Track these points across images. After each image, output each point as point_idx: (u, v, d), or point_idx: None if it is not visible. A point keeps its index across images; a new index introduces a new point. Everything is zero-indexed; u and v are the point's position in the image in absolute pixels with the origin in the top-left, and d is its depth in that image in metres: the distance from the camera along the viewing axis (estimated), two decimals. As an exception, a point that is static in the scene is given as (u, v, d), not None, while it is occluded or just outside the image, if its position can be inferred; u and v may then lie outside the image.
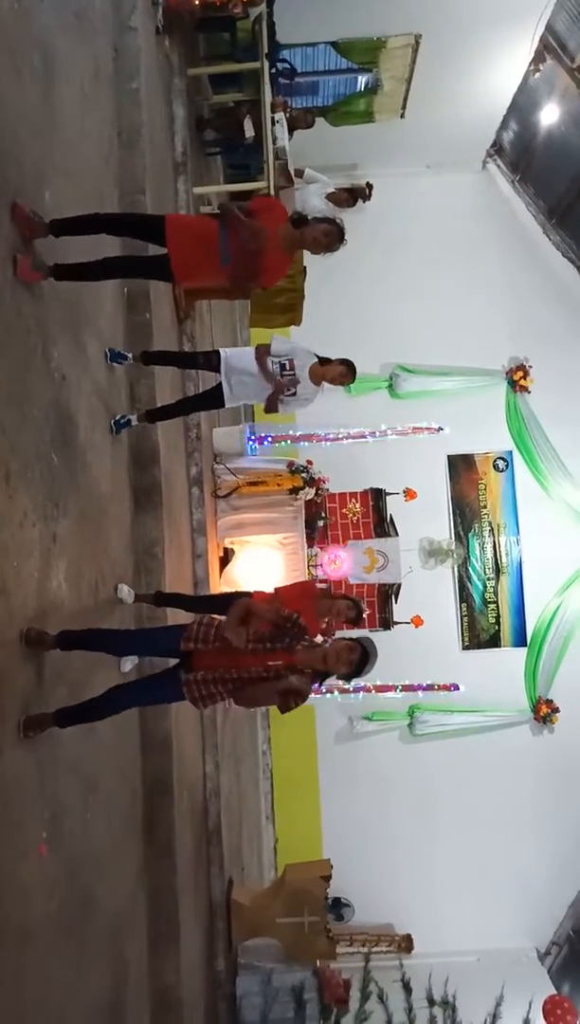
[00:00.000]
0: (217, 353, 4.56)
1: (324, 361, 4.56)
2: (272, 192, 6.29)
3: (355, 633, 3.75)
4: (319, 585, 8.06)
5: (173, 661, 3.32)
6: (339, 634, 4.40)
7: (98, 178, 4.18)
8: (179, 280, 3.57)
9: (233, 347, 6.96)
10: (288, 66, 7.33)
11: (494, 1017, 5.17)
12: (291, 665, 3.14)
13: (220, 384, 4.48)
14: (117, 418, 4.20)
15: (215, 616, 3.36)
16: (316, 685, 3.27)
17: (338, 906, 9.11)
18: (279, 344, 4.54)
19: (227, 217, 3.39)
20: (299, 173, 6.96)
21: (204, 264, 3.46)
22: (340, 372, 4.55)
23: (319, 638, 3.88)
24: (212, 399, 4.62)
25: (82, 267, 3.34)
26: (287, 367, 4.47)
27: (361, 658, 3.21)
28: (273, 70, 6.76)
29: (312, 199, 6.42)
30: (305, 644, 3.23)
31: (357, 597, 5.13)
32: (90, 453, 3.71)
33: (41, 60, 3.34)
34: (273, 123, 6.57)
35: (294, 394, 4.52)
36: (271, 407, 4.55)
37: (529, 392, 9.97)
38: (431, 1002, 5.23)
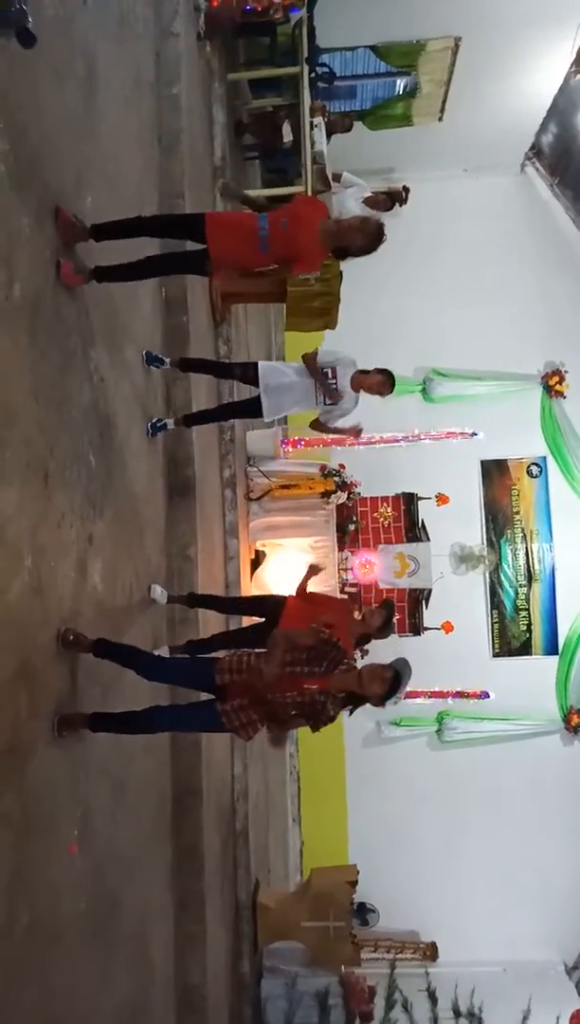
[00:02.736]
0: (254, 365, 4.57)
1: (364, 372, 4.58)
2: (309, 195, 6.29)
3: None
4: (350, 589, 8.07)
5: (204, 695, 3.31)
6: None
7: (138, 183, 4.23)
8: (217, 265, 3.59)
9: (264, 357, 6.99)
10: (327, 70, 7.33)
11: (521, 1031, 5.11)
12: (325, 689, 3.12)
13: (259, 395, 4.49)
14: (153, 421, 4.24)
15: (246, 650, 3.35)
16: (348, 714, 3.24)
17: (363, 911, 9.06)
18: (324, 353, 4.57)
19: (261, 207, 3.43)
20: (337, 177, 6.95)
21: (243, 252, 3.49)
22: (379, 381, 4.55)
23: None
24: (251, 409, 4.64)
25: (123, 267, 3.38)
26: (330, 376, 4.49)
27: (394, 679, 3.18)
28: (312, 74, 6.77)
29: (349, 203, 6.41)
30: (342, 668, 3.20)
31: (390, 600, 5.09)
32: (126, 455, 3.75)
33: (83, 66, 3.39)
34: (311, 127, 6.58)
35: (335, 404, 4.54)
36: (318, 426, 4.61)
37: (565, 397, 9.83)
38: (457, 1013, 5.19)
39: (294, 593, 4.53)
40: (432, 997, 5.11)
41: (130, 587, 3.74)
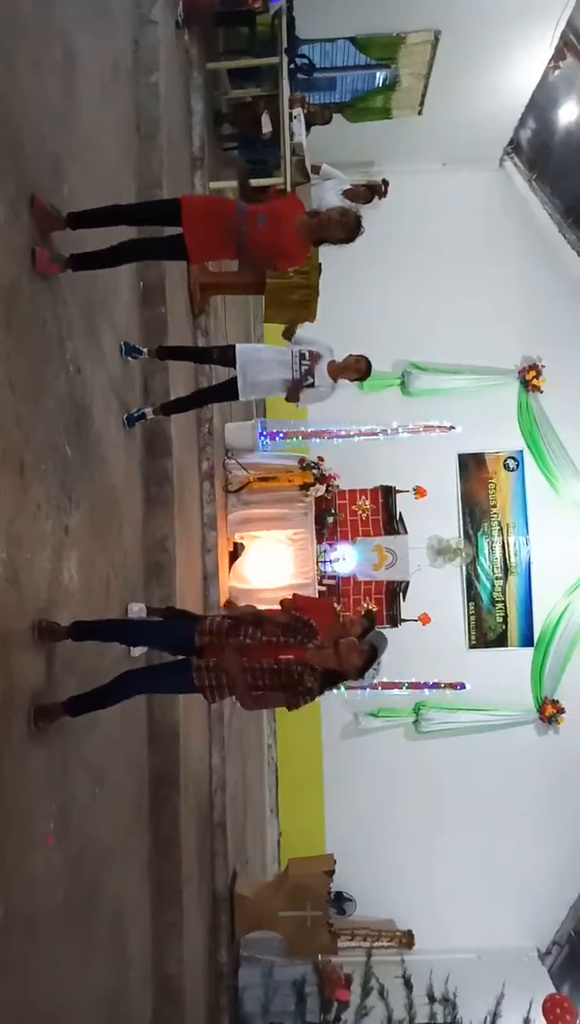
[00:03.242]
0: (232, 348, 4.60)
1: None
2: (288, 188, 6.28)
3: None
4: (328, 581, 8.11)
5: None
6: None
7: (116, 171, 4.20)
8: (194, 256, 3.59)
9: (247, 342, 6.96)
10: (307, 61, 7.31)
11: (494, 1015, 5.19)
12: (302, 660, 3.16)
13: (235, 377, 4.52)
14: (131, 412, 4.22)
15: (224, 618, 3.37)
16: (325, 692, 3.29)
17: (340, 900, 9.13)
18: (304, 334, 4.63)
19: (242, 186, 3.43)
20: (316, 169, 6.95)
21: (219, 241, 3.49)
22: (354, 360, 4.61)
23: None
24: (226, 391, 4.67)
25: (99, 254, 3.36)
26: (306, 356, 4.54)
27: (371, 650, 3.22)
28: (292, 65, 6.75)
29: (328, 195, 6.41)
30: (315, 645, 3.25)
31: (371, 611, 5.16)
32: (103, 446, 3.73)
33: (61, 53, 3.35)
34: (291, 119, 6.56)
35: (312, 385, 4.59)
36: (293, 396, 4.62)
37: (541, 392, 9.93)
38: (432, 999, 5.25)
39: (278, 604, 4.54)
40: (407, 984, 5.17)
41: (107, 578, 3.73)
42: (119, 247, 3.43)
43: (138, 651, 4.01)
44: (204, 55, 6.31)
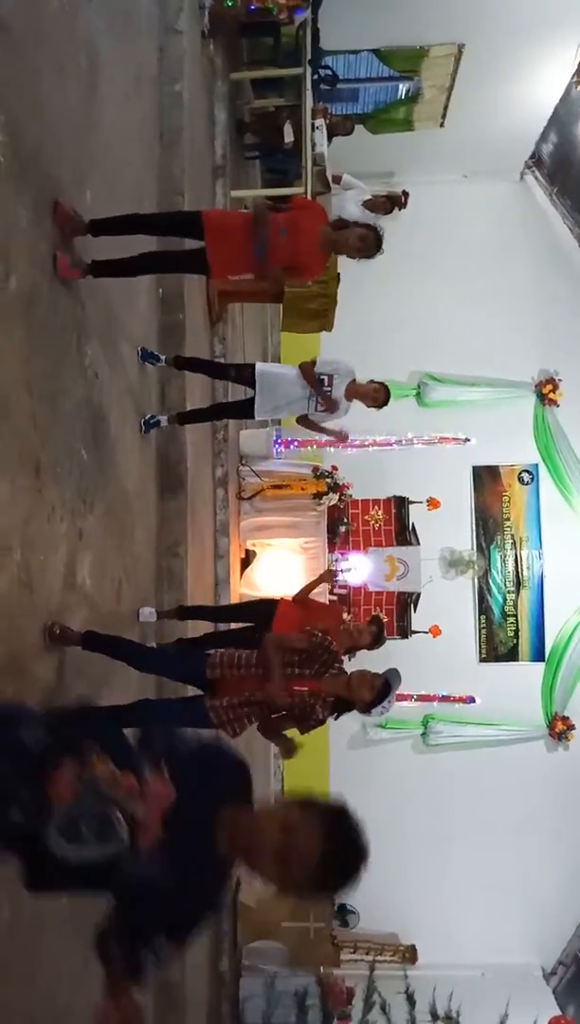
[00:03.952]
0: (251, 367, 4.57)
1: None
2: (309, 197, 6.31)
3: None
4: (339, 591, 8.08)
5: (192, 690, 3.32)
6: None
7: (138, 178, 4.23)
8: (215, 272, 3.60)
9: (260, 358, 6.99)
10: (330, 72, 7.35)
11: (498, 1035, 5.13)
12: (315, 692, 3.12)
13: (252, 397, 4.49)
14: (147, 418, 4.24)
15: (238, 648, 3.35)
16: (333, 718, 3.25)
17: (343, 912, 9.06)
18: (323, 363, 4.56)
19: (259, 215, 3.42)
20: (337, 179, 6.97)
21: (240, 256, 3.49)
22: (373, 389, 4.54)
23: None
24: (243, 409, 4.65)
25: (120, 263, 3.38)
26: (326, 383, 4.49)
27: (383, 687, 3.20)
28: (315, 76, 6.78)
29: (349, 205, 6.43)
30: (333, 672, 3.21)
31: (379, 616, 5.12)
32: (119, 451, 3.75)
33: (86, 59, 3.39)
34: (313, 129, 6.59)
35: (328, 411, 4.55)
36: (303, 421, 4.60)
37: (558, 406, 9.88)
38: (435, 1016, 5.21)
39: (293, 596, 4.52)
40: (410, 1000, 5.14)
41: (119, 583, 3.74)
42: (140, 258, 3.45)
43: (146, 614, 3.99)
44: (228, 65, 6.37)
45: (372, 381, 4.57)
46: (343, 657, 5.07)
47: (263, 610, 4.49)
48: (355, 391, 4.51)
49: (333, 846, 1.48)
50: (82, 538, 3.18)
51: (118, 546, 3.73)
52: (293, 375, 4.51)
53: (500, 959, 9.19)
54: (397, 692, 3.23)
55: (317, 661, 3.14)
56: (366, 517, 9.32)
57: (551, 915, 9.39)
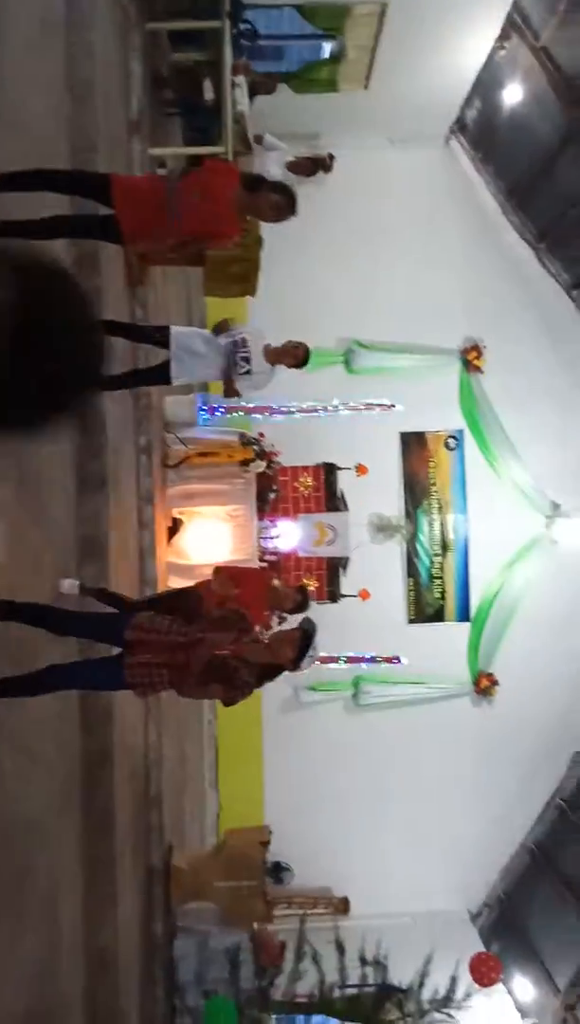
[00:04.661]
0: (165, 329, 4.50)
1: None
2: (230, 157, 6.18)
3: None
4: (269, 558, 8.13)
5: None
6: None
7: (46, 133, 4.05)
8: (128, 241, 3.51)
9: (184, 323, 6.84)
10: (250, 27, 7.15)
11: (423, 975, 5.38)
12: (238, 655, 3.15)
13: (168, 360, 4.43)
14: (62, 384, 4.12)
15: (157, 615, 3.34)
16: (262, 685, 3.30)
17: (278, 870, 9.29)
18: (237, 326, 4.54)
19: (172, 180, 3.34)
20: (258, 139, 6.84)
21: (153, 224, 3.41)
22: (293, 347, 4.55)
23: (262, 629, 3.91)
24: (159, 375, 4.58)
25: (24, 224, 3.25)
26: (242, 343, 4.46)
27: (303, 639, 3.25)
28: (234, 30, 6.59)
29: (271, 167, 6.33)
30: (249, 640, 3.24)
31: (305, 585, 5.20)
32: (32, 418, 3.63)
33: (-14, 5, 3.21)
34: (233, 86, 6.42)
35: (248, 372, 4.52)
36: (230, 390, 4.56)
37: (482, 372, 10.07)
38: (363, 962, 5.41)
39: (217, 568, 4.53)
40: (340, 948, 5.32)
41: (38, 556, 3.66)
42: (47, 220, 3.32)
43: (68, 586, 3.94)
44: (143, 15, 6.12)
45: (289, 340, 4.57)
46: (272, 619, 5.14)
47: (190, 601, 4.47)
48: (275, 354, 4.50)
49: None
50: (-7, 508, 3.09)
51: (35, 516, 3.65)
52: (208, 335, 4.47)
53: (429, 905, 9.61)
54: (315, 639, 3.29)
55: (231, 628, 3.18)
56: (296, 484, 9.38)
57: (476, 861, 9.85)
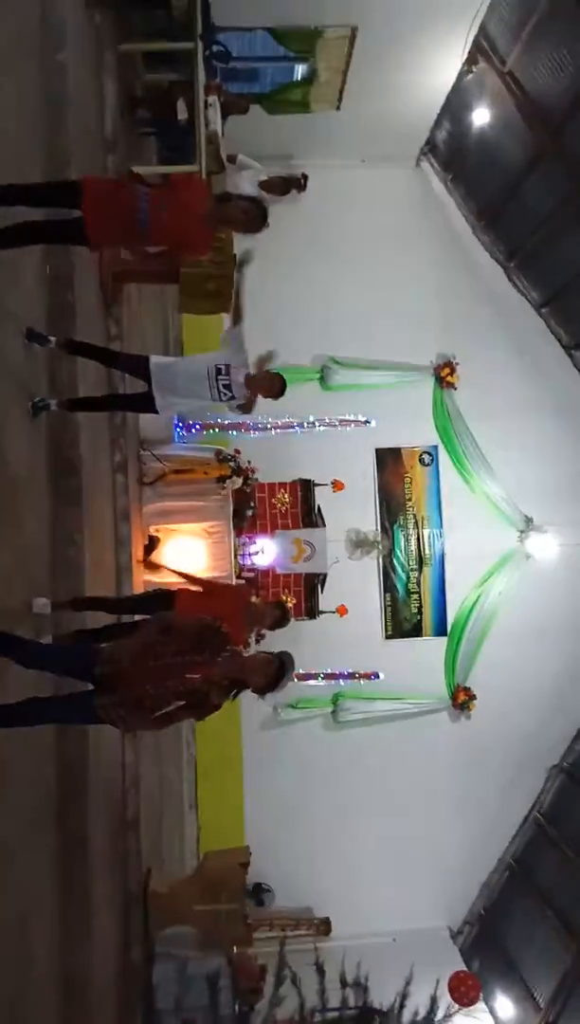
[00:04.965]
0: (145, 360, 4.49)
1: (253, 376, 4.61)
2: (204, 176, 6.21)
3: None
4: (247, 574, 8.11)
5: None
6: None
7: (19, 151, 4.04)
8: (93, 240, 3.52)
9: (164, 343, 6.84)
10: (222, 49, 7.23)
11: (403, 996, 5.30)
12: (208, 678, 3.10)
13: (149, 391, 4.42)
14: (36, 401, 4.09)
15: (126, 640, 3.30)
16: (230, 698, 3.25)
17: (259, 891, 9.18)
18: (223, 349, 4.55)
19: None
20: (232, 159, 6.90)
21: (120, 226, 3.42)
22: (268, 381, 4.58)
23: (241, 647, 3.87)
24: (142, 403, 4.56)
25: None
26: (224, 371, 4.48)
27: (278, 672, 3.22)
28: (207, 52, 6.66)
29: (244, 184, 6.40)
30: (225, 655, 3.19)
31: (284, 602, 5.18)
32: (4, 436, 3.60)
33: (-44, 23, 3.21)
34: (206, 106, 6.48)
35: (232, 398, 4.56)
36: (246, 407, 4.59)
37: (455, 388, 10.18)
38: (344, 984, 5.32)
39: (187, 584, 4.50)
40: (320, 970, 5.23)
41: (10, 575, 3.61)
42: (12, 228, 3.31)
43: (40, 605, 3.88)
44: (117, 36, 6.16)
45: (266, 373, 4.59)
46: (250, 637, 5.09)
47: (163, 600, 4.45)
48: (253, 384, 4.53)
49: None
50: (-37, 527, 3.05)
51: (6, 535, 3.60)
52: (190, 367, 4.47)
53: (410, 924, 9.54)
54: (289, 679, 3.26)
55: (208, 645, 3.13)
56: (273, 500, 9.38)
57: (456, 878, 9.81)
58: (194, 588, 4.56)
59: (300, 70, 8.81)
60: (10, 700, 3.18)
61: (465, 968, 8.55)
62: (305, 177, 8.60)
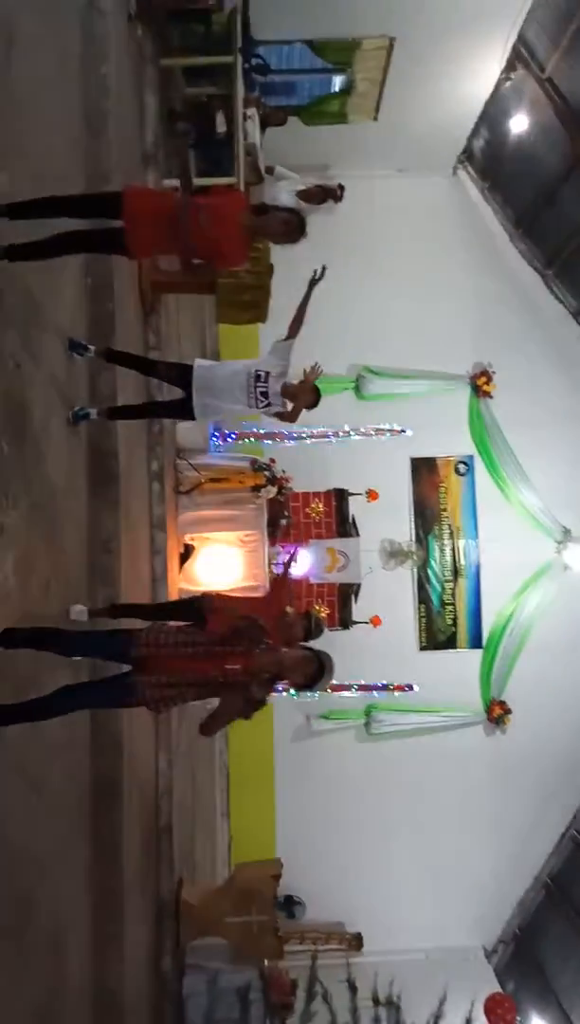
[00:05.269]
0: (188, 368, 4.51)
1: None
2: (242, 187, 6.25)
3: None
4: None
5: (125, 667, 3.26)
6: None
7: (62, 163, 4.11)
8: (133, 251, 3.54)
9: (201, 352, 6.86)
10: (261, 62, 7.29)
11: (437, 1016, 5.21)
12: (248, 669, 3.11)
13: (187, 397, 4.43)
14: (76, 410, 4.13)
15: (165, 624, 3.32)
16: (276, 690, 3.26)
17: (290, 904, 9.10)
18: (266, 359, 4.56)
19: (184, 185, 3.38)
20: (270, 170, 6.94)
21: (161, 235, 3.44)
22: (307, 392, 4.57)
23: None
24: (180, 410, 4.58)
25: (34, 245, 3.26)
26: (262, 378, 4.48)
27: (317, 671, 3.20)
28: (246, 65, 6.71)
29: (281, 195, 6.42)
30: (263, 648, 3.19)
31: (314, 612, 5.14)
32: (44, 444, 3.64)
33: (4, 37, 3.26)
34: (245, 119, 6.53)
35: (269, 405, 4.56)
36: (292, 415, 4.59)
37: (492, 397, 10.06)
38: (376, 1002, 5.24)
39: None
40: (352, 987, 5.16)
41: (47, 581, 3.63)
42: (54, 238, 3.35)
43: (77, 611, 3.91)
44: (158, 51, 6.24)
45: (302, 382, 4.58)
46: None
47: (198, 607, 4.45)
48: (290, 394, 4.52)
49: None
50: (4, 534, 3.08)
51: (46, 543, 3.63)
52: (230, 369, 4.48)
53: (444, 941, 9.39)
54: (329, 680, 3.24)
55: (246, 636, 3.13)
56: (307, 510, 9.36)
57: (492, 895, 9.63)
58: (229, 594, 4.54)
59: (338, 81, 8.84)
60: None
61: (500, 989, 8.36)
62: (342, 187, 8.60)
